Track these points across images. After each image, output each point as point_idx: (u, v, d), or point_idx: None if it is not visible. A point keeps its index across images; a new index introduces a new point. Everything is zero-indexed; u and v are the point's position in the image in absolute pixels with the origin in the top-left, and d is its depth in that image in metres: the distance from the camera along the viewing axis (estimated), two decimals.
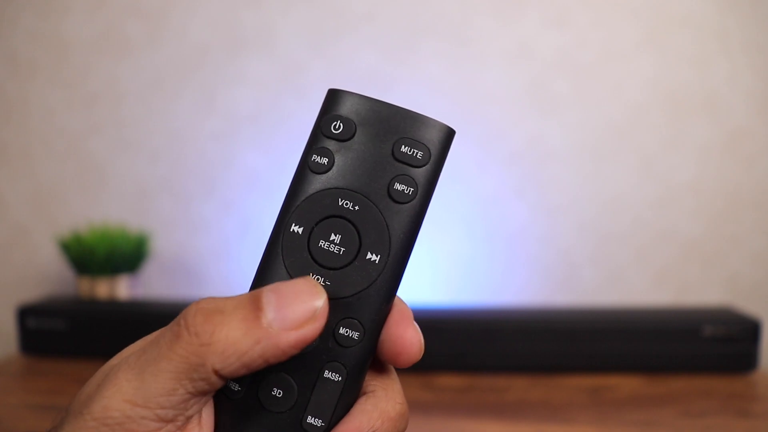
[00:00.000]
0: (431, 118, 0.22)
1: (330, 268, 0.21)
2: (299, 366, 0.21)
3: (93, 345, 0.62)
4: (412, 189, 0.22)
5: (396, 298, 0.23)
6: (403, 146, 0.22)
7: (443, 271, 0.75)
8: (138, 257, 0.71)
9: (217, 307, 0.19)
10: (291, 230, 0.22)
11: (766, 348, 0.64)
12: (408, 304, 0.24)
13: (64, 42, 0.77)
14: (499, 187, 0.74)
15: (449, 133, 0.22)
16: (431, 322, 0.59)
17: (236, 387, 0.21)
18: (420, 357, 0.22)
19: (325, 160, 0.22)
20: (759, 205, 0.72)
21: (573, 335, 0.58)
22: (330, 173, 0.22)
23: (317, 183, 0.22)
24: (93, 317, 0.62)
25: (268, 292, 0.19)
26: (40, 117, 0.78)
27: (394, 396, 0.22)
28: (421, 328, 0.23)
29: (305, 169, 0.22)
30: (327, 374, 0.21)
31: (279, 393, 0.21)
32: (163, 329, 0.20)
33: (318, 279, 0.21)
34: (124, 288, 0.70)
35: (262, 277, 0.22)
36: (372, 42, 0.74)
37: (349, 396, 0.21)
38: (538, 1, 0.72)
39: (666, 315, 0.60)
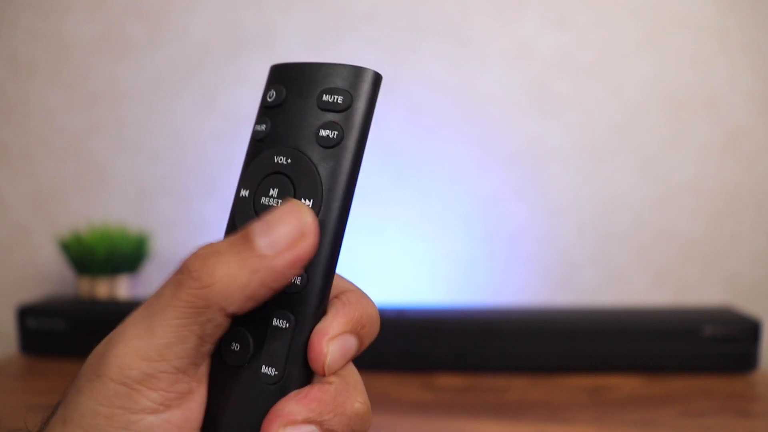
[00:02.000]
0: (353, 66, 0.23)
1: None
2: (252, 318, 0.21)
3: (93, 345, 0.61)
4: (336, 132, 0.22)
5: (341, 314, 0.22)
6: (324, 95, 0.23)
7: (443, 271, 0.75)
8: (138, 257, 0.71)
9: (213, 248, 0.20)
10: (240, 196, 0.23)
11: (766, 348, 0.64)
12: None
13: (64, 42, 0.77)
14: (499, 187, 0.74)
15: (372, 76, 0.23)
16: (431, 322, 0.58)
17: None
18: (322, 374, 0.21)
19: (263, 127, 0.23)
20: (759, 205, 0.72)
21: (573, 335, 0.58)
22: (268, 138, 0.23)
23: (259, 149, 0.23)
24: (93, 317, 0.62)
25: (256, 223, 0.20)
26: (40, 117, 0.78)
27: (353, 393, 0.21)
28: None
29: (251, 141, 0.24)
30: (275, 322, 0.21)
31: (237, 347, 0.21)
32: (165, 282, 0.20)
33: None
34: (124, 288, 0.70)
35: None
36: (372, 42, 0.74)
37: (299, 344, 0.21)
38: (538, 1, 0.72)
39: (666, 315, 0.60)
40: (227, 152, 0.76)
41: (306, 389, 0.21)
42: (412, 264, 0.74)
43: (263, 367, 0.21)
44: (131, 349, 0.19)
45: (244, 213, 0.23)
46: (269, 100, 0.23)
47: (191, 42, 0.76)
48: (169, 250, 0.77)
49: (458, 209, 0.74)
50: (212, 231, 0.77)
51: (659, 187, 0.73)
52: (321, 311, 0.22)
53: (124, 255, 0.69)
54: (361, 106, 0.23)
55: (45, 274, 0.79)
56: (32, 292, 0.79)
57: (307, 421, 0.20)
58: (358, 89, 0.23)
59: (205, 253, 0.20)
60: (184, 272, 0.19)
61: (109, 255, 0.68)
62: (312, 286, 0.21)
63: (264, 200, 0.22)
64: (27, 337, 0.63)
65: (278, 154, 0.23)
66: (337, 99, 0.22)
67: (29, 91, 0.78)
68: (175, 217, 0.77)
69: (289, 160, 0.22)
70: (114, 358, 0.19)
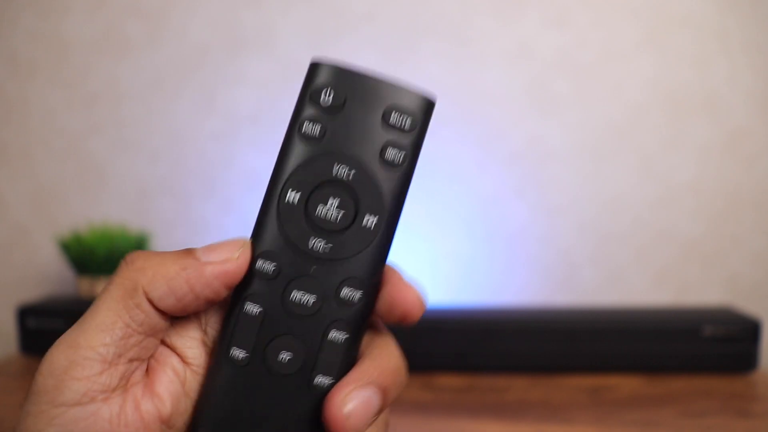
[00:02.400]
0: (415, 89, 0.23)
1: (330, 232, 0.22)
2: (304, 329, 0.22)
3: None
4: (402, 153, 0.23)
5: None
6: (392, 113, 0.23)
7: (443, 271, 0.75)
8: None
9: (156, 251, 0.22)
10: (287, 197, 0.22)
11: (766, 348, 0.64)
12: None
13: (64, 42, 0.77)
14: (499, 187, 0.74)
15: (431, 103, 0.24)
16: (431, 322, 0.58)
17: (242, 354, 0.22)
18: (423, 311, 0.23)
19: (317, 128, 0.22)
20: (759, 205, 0.72)
21: (573, 335, 0.58)
22: (323, 141, 0.22)
23: (310, 150, 0.22)
24: None
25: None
26: (40, 117, 0.78)
27: (390, 352, 0.23)
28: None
29: (296, 136, 0.23)
30: (332, 334, 0.22)
31: (286, 357, 0.22)
32: None
33: (318, 242, 0.22)
34: None
35: (259, 244, 0.22)
36: (372, 42, 0.74)
37: (353, 353, 0.23)
38: (538, 1, 0.72)
39: (666, 315, 0.60)
40: (227, 152, 0.76)
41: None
42: (412, 264, 0.74)
43: (318, 376, 0.22)
44: (61, 341, 0.20)
45: (294, 217, 0.22)
46: (324, 99, 0.23)
47: (191, 42, 0.76)
48: (169, 250, 0.77)
49: (458, 209, 0.74)
50: (212, 231, 0.77)
51: (659, 187, 0.73)
52: (368, 324, 0.23)
53: (124, 255, 0.69)
54: (422, 130, 0.23)
55: (45, 274, 0.79)
56: (32, 292, 0.79)
57: (362, 387, 0.21)
58: (421, 113, 0.23)
59: (148, 250, 0.21)
60: (124, 261, 0.21)
61: (109, 255, 0.68)
62: (367, 301, 0.22)
63: (321, 208, 0.22)
64: (27, 337, 0.63)
65: (339, 163, 0.22)
66: (406, 120, 0.23)
67: (29, 91, 0.78)
68: (175, 217, 0.77)
69: (352, 172, 0.22)
70: (46, 356, 0.20)
